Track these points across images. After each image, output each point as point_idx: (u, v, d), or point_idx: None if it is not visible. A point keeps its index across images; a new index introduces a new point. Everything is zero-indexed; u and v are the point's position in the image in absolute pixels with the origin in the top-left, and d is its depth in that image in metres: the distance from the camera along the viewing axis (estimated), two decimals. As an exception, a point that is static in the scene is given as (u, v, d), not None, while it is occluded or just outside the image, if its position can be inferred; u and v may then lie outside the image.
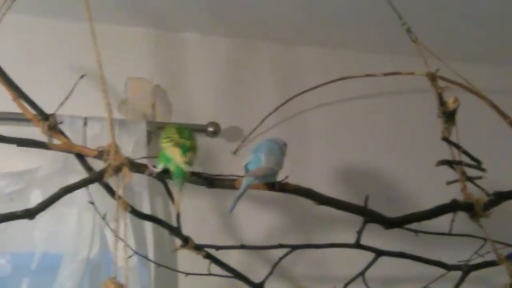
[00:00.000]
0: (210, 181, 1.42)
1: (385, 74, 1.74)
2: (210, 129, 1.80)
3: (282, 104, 1.89)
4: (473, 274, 1.62)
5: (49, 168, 1.60)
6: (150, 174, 1.39)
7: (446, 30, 1.92)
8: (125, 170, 1.26)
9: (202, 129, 1.79)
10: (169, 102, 1.88)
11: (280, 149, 1.45)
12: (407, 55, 1.77)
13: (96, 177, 1.30)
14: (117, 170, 1.26)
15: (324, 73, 1.94)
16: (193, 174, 1.40)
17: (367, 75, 1.77)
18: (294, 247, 1.58)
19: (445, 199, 1.51)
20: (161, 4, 1.78)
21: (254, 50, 1.99)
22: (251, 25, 1.91)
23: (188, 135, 1.42)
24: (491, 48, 2.07)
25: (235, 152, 1.87)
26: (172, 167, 1.36)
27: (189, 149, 1.37)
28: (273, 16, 1.85)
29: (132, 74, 1.85)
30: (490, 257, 1.56)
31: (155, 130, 1.75)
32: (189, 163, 1.36)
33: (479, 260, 1.61)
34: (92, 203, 1.41)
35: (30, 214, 1.21)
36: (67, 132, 1.49)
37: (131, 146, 1.68)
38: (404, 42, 1.62)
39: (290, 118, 1.95)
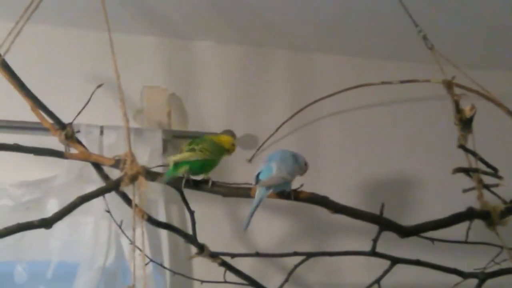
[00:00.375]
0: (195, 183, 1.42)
1: (402, 82, 1.74)
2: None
3: (297, 112, 1.89)
4: (490, 281, 1.60)
5: (66, 177, 1.62)
6: None
7: (462, 37, 1.92)
8: (141, 179, 1.26)
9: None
10: (185, 110, 1.88)
11: (293, 158, 1.44)
12: (423, 63, 1.76)
13: (112, 186, 1.30)
14: (133, 179, 1.26)
15: (339, 80, 1.94)
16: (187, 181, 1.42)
17: (383, 83, 1.77)
18: (309, 255, 1.58)
19: (462, 207, 1.50)
20: (176, 13, 1.79)
21: (269, 57, 1.99)
22: (265, 33, 1.92)
23: (196, 141, 1.45)
24: (507, 55, 2.06)
25: (250, 160, 1.87)
26: None
27: (183, 151, 1.41)
28: (288, 23, 1.86)
29: (147, 83, 1.86)
30: (507, 264, 1.55)
31: (170, 139, 1.76)
32: (179, 162, 1.39)
33: (496, 267, 1.60)
34: (108, 211, 1.42)
35: (47, 223, 1.21)
36: (83, 140, 1.50)
37: (147, 154, 1.70)
38: (420, 50, 1.61)
39: (305, 126, 1.95)
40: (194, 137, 1.77)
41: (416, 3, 1.59)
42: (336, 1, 1.74)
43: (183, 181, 1.39)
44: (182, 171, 1.39)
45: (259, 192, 1.37)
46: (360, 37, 1.95)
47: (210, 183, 1.39)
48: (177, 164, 1.40)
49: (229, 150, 1.54)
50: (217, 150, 1.47)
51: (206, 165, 1.42)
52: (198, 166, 1.41)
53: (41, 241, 1.61)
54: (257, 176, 1.39)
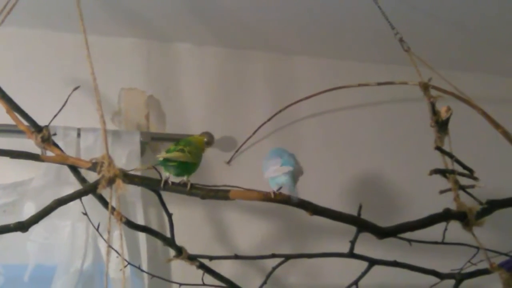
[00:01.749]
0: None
1: (379, 84, 1.74)
2: (204, 139, 1.79)
3: (276, 114, 1.89)
4: (466, 282, 1.61)
5: (42, 180, 1.61)
6: None
7: (438, 39, 1.93)
8: (119, 181, 1.26)
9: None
10: (163, 112, 1.88)
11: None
12: (400, 65, 1.78)
13: (89, 189, 1.30)
14: (111, 181, 1.26)
15: (318, 82, 1.95)
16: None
17: (361, 85, 1.77)
18: (287, 257, 1.58)
19: (438, 208, 1.51)
20: (154, 15, 1.78)
21: (247, 59, 2.00)
22: (243, 35, 1.92)
23: (182, 143, 1.44)
24: (483, 57, 2.08)
25: (229, 162, 1.87)
26: None
27: (169, 151, 1.40)
28: (266, 25, 1.86)
29: (125, 85, 1.86)
30: (483, 265, 1.56)
31: (148, 141, 1.76)
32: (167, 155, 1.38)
33: (472, 268, 1.60)
34: (85, 214, 1.41)
35: (23, 226, 1.21)
36: (60, 143, 1.50)
37: (125, 157, 1.69)
38: (397, 52, 1.62)
39: (284, 128, 1.96)
40: (172, 139, 1.78)
41: (392, 6, 1.61)
42: (314, 4, 1.74)
43: (162, 182, 1.38)
44: (170, 170, 1.39)
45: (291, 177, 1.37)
46: (337, 39, 1.95)
47: (189, 186, 1.38)
48: (166, 161, 1.39)
49: (203, 150, 1.52)
50: (199, 152, 1.46)
51: (190, 168, 1.41)
52: (184, 168, 1.40)
53: (18, 244, 1.60)
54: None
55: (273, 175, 1.39)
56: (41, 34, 1.82)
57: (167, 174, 1.39)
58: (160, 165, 1.42)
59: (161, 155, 1.39)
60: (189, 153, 1.40)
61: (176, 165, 1.39)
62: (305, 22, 1.84)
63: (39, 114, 1.38)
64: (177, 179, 1.40)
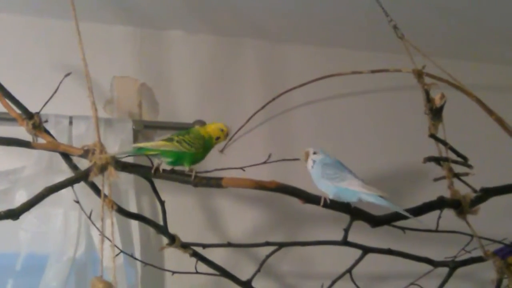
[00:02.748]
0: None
1: (372, 71, 1.74)
2: (192, 128, 1.78)
3: (269, 102, 1.88)
4: (460, 270, 1.62)
5: (34, 168, 1.60)
6: None
7: (432, 27, 1.93)
8: (111, 169, 1.26)
9: (188, 127, 1.77)
10: (156, 100, 1.87)
11: None
12: (394, 52, 1.78)
13: (81, 176, 1.29)
14: (103, 169, 1.26)
15: (311, 70, 1.94)
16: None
17: (354, 73, 1.76)
18: (281, 245, 1.58)
19: (432, 196, 1.51)
20: (146, 2, 1.77)
21: (240, 47, 1.98)
22: (236, 23, 1.91)
23: (181, 133, 1.43)
24: (477, 45, 2.08)
25: (222, 151, 1.86)
26: None
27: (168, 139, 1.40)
28: (259, 13, 1.85)
29: (117, 73, 1.85)
30: (477, 253, 1.57)
31: (141, 129, 1.75)
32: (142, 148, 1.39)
33: (466, 256, 1.61)
34: (77, 201, 1.40)
35: (13, 214, 1.20)
36: (52, 131, 1.48)
37: (117, 145, 1.68)
38: (391, 39, 1.62)
39: (277, 116, 1.95)
40: (165, 128, 1.78)
41: (386, -8, 1.60)
42: (307, -9, 1.74)
43: (153, 169, 1.37)
44: (156, 160, 1.38)
45: None
46: (331, 27, 1.94)
47: (193, 176, 1.37)
48: (141, 149, 1.38)
49: (219, 137, 1.48)
50: (201, 142, 1.43)
51: (182, 158, 1.39)
52: (173, 157, 1.39)
53: (10, 233, 1.59)
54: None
55: (359, 190, 1.39)
56: (33, 21, 1.80)
57: (158, 161, 1.38)
58: (138, 154, 1.42)
59: (137, 145, 1.39)
60: (178, 142, 1.38)
61: (161, 154, 1.38)
62: (298, 9, 1.83)
63: (31, 102, 1.37)
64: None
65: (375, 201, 1.39)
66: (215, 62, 1.95)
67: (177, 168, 1.40)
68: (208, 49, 1.96)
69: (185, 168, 1.39)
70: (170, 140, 1.39)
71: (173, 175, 1.38)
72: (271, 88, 1.93)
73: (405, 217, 1.47)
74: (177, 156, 1.39)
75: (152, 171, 1.37)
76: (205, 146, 1.44)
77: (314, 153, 1.47)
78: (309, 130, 1.98)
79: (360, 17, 1.87)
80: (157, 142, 1.40)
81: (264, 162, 1.42)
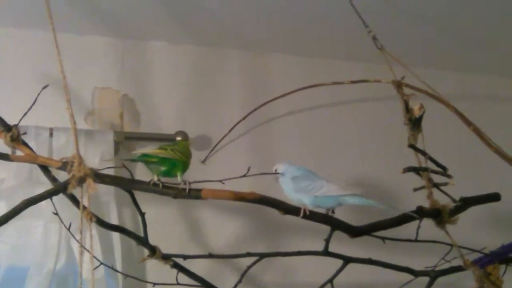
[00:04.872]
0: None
1: (352, 82, 1.74)
2: (179, 138, 1.79)
3: (251, 112, 1.89)
4: (441, 279, 1.63)
5: (14, 180, 1.59)
6: None
7: (411, 37, 1.94)
8: (89, 181, 1.25)
9: (170, 139, 1.79)
10: (137, 111, 1.87)
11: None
12: (374, 63, 1.78)
13: (59, 189, 1.29)
14: (81, 181, 1.25)
15: (292, 80, 1.94)
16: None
17: (335, 83, 1.77)
18: (262, 256, 1.58)
19: (412, 206, 1.52)
20: (127, 13, 1.77)
21: (222, 57, 1.99)
22: (218, 33, 1.91)
23: (168, 144, 1.47)
24: (456, 56, 2.09)
25: (204, 161, 1.86)
26: None
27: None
28: (241, 23, 1.85)
29: (99, 84, 1.85)
30: (457, 262, 1.57)
31: (122, 140, 1.75)
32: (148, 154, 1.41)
33: (446, 265, 1.62)
34: (56, 213, 1.40)
35: (-10, 227, 1.20)
36: (32, 143, 1.48)
37: (98, 156, 1.67)
38: (371, 50, 1.63)
39: (258, 126, 1.95)
40: (146, 139, 1.78)
41: (366, 4, 1.61)
42: (288, 2, 1.74)
43: (151, 182, 1.38)
44: (154, 169, 1.39)
45: None
46: (312, 37, 1.95)
47: (187, 188, 1.38)
48: (145, 156, 1.40)
49: None
50: (186, 152, 1.46)
51: (177, 166, 1.40)
52: (169, 165, 1.39)
53: (-11, 245, 1.59)
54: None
55: (340, 193, 1.41)
56: (13, 32, 1.80)
57: (155, 177, 1.39)
58: (137, 161, 1.42)
59: (139, 151, 1.40)
60: (172, 151, 1.40)
61: (159, 162, 1.38)
62: (280, 19, 1.83)
63: (10, 114, 1.37)
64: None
65: (357, 201, 1.40)
66: (197, 73, 1.95)
67: (171, 180, 1.41)
68: (190, 60, 1.96)
69: (178, 179, 1.40)
70: (163, 149, 1.41)
71: (152, 187, 1.38)
72: (253, 98, 1.93)
73: (384, 227, 1.49)
74: (173, 165, 1.40)
75: (151, 182, 1.38)
76: (189, 158, 1.47)
77: (277, 169, 1.49)
78: (291, 140, 1.98)
79: (340, 28, 1.87)
80: (153, 150, 1.42)
81: (244, 176, 1.42)
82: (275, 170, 1.50)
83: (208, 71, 1.97)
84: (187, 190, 1.38)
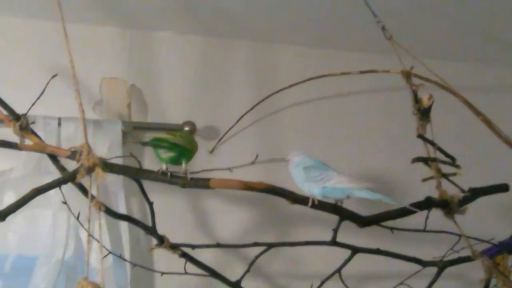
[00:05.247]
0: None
1: (361, 72, 1.74)
2: (186, 128, 1.79)
3: (258, 103, 1.88)
4: (449, 270, 1.62)
5: (23, 170, 1.60)
6: None
7: (421, 28, 1.93)
8: (98, 170, 1.26)
9: (178, 129, 1.79)
10: (145, 102, 1.87)
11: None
12: (383, 53, 1.77)
13: (68, 178, 1.29)
14: (90, 170, 1.26)
15: (300, 71, 1.93)
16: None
17: (343, 73, 1.76)
18: (270, 245, 1.58)
19: (421, 196, 1.52)
20: (135, 4, 1.77)
21: (229, 48, 1.98)
22: (225, 23, 1.91)
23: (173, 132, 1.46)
24: (465, 46, 2.08)
25: (211, 152, 1.86)
26: None
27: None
28: (248, 14, 1.85)
29: (106, 74, 1.85)
30: (465, 253, 1.57)
31: (130, 130, 1.75)
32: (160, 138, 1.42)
33: (454, 256, 1.61)
34: (65, 203, 1.39)
35: (0, 216, 1.20)
36: (41, 133, 1.48)
37: (106, 146, 1.67)
38: (380, 40, 1.62)
39: (266, 117, 1.95)
40: (154, 129, 1.78)
41: (375, -6, 1.60)
42: (296, -8, 1.74)
43: (160, 171, 1.38)
44: (163, 156, 1.39)
45: None
46: (320, 28, 1.94)
47: (188, 175, 1.38)
48: (157, 140, 1.41)
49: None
50: (191, 141, 1.46)
51: (184, 154, 1.41)
52: (177, 151, 1.40)
53: (-2, 235, 1.60)
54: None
55: (349, 186, 1.42)
56: (21, 23, 1.80)
57: (164, 166, 1.39)
58: (148, 145, 1.43)
59: (155, 136, 1.41)
60: (180, 137, 1.40)
61: (168, 147, 1.38)
62: (288, 10, 1.83)
63: (19, 103, 1.36)
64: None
65: (365, 195, 1.41)
66: (204, 63, 1.95)
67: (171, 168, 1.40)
68: (197, 50, 1.95)
69: (182, 167, 1.40)
70: (173, 135, 1.41)
71: (161, 176, 1.38)
72: (261, 89, 1.92)
73: (393, 217, 1.49)
74: (181, 152, 1.40)
75: (159, 171, 1.38)
76: (195, 147, 1.46)
77: (290, 158, 1.48)
78: (298, 130, 1.98)
79: (348, 18, 1.87)
80: (166, 135, 1.42)
81: (252, 163, 1.42)
82: (289, 158, 1.49)
83: (215, 62, 1.97)
84: (188, 178, 1.38)
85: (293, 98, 1.97)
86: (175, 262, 1.54)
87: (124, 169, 1.40)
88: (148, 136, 1.40)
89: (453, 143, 1.54)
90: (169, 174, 1.38)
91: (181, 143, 1.40)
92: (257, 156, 1.42)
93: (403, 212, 1.49)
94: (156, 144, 1.40)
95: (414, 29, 1.91)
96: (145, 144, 1.46)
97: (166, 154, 1.39)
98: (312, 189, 1.42)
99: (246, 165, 1.42)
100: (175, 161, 1.41)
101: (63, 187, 1.35)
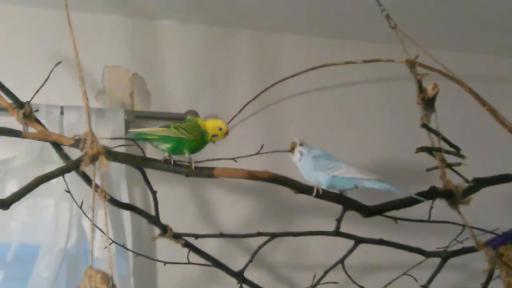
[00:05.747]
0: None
1: (365, 61, 1.72)
2: (189, 117, 1.78)
3: (262, 92, 1.87)
4: (452, 260, 1.62)
5: (25, 158, 1.59)
6: None
7: (425, 17, 1.92)
8: (102, 158, 1.25)
9: (180, 118, 1.78)
10: (147, 91, 1.86)
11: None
12: (387, 43, 1.77)
13: (72, 166, 1.28)
14: (94, 158, 1.24)
15: (304, 60, 1.93)
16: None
17: (347, 63, 1.75)
18: (273, 235, 1.57)
19: (425, 186, 1.51)
20: (138, -8, 1.76)
21: (232, 37, 1.97)
22: (229, 12, 1.90)
23: (178, 122, 1.43)
24: (470, 36, 2.07)
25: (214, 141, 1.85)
26: None
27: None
28: (251, 3, 1.84)
29: (109, 63, 1.84)
30: (469, 243, 1.57)
31: (133, 119, 1.74)
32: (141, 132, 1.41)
33: (458, 246, 1.61)
34: (68, 191, 1.39)
35: (3, 204, 1.18)
36: (43, 121, 1.47)
37: (109, 135, 1.67)
38: (385, 29, 1.61)
39: (269, 106, 1.94)
40: (157, 118, 1.77)
41: (379, -17, 1.59)
42: (300, -19, 1.73)
43: (163, 159, 1.36)
44: (158, 146, 1.38)
45: None
46: (324, 17, 1.94)
47: (193, 165, 1.36)
48: (141, 134, 1.39)
49: (216, 135, 1.44)
50: (198, 130, 1.41)
51: (182, 144, 1.38)
52: (172, 142, 1.37)
53: (1, 223, 1.60)
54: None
55: (358, 176, 1.41)
56: (24, 11, 1.79)
57: (166, 154, 1.38)
58: (135, 139, 1.42)
59: (136, 130, 1.39)
60: (175, 129, 1.38)
61: (160, 139, 1.37)
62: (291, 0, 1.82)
63: (22, 91, 1.35)
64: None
65: (374, 185, 1.40)
66: (207, 52, 1.94)
67: (176, 157, 1.38)
68: (200, 39, 1.95)
69: (185, 156, 1.38)
70: (167, 127, 1.39)
71: (164, 165, 1.37)
72: (264, 78, 1.92)
73: (397, 207, 1.48)
74: (177, 142, 1.38)
75: (162, 160, 1.37)
76: (202, 136, 1.42)
77: (301, 144, 1.47)
78: (301, 120, 1.98)
79: (353, 7, 1.86)
80: (155, 128, 1.40)
81: (257, 153, 1.41)
82: (295, 144, 1.48)
83: (218, 51, 1.96)
84: (192, 167, 1.36)
85: (296, 88, 1.97)
86: (178, 251, 1.53)
87: (128, 158, 1.39)
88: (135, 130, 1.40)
89: (457, 133, 1.54)
90: (172, 162, 1.37)
91: (174, 134, 1.38)
92: (262, 147, 1.41)
93: (407, 202, 1.48)
94: (142, 138, 1.39)
95: (418, 18, 1.90)
96: (131, 139, 1.44)
97: (164, 146, 1.38)
98: (319, 178, 1.41)
99: (251, 155, 1.40)
100: (174, 152, 1.39)
101: (66, 176, 1.34)
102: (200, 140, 1.42)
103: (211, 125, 1.43)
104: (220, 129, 1.44)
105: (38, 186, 1.24)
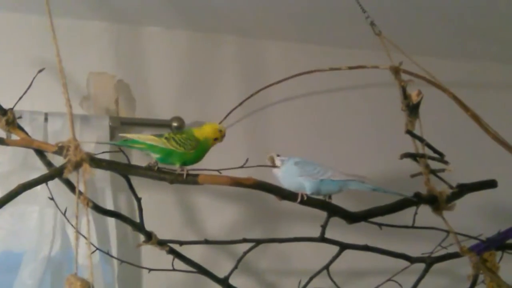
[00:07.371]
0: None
1: (350, 68, 1.73)
2: (174, 124, 1.79)
3: (247, 98, 1.88)
4: (437, 266, 1.63)
5: (9, 165, 1.59)
6: None
7: (409, 24, 1.93)
8: (86, 165, 1.24)
9: (166, 124, 1.78)
10: (133, 97, 1.86)
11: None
12: (372, 49, 1.77)
13: (55, 173, 1.28)
14: (77, 165, 1.24)
15: (289, 67, 1.93)
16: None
17: (332, 69, 1.76)
18: (258, 242, 1.57)
19: (409, 192, 1.51)
20: (123, -2, 1.76)
21: (218, 43, 1.98)
22: (214, 19, 1.90)
23: (174, 132, 1.45)
24: (453, 43, 2.08)
25: (199, 147, 1.85)
26: None
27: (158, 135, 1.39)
28: (237, 9, 1.84)
29: (94, 69, 1.83)
30: (453, 249, 1.57)
31: (118, 126, 1.74)
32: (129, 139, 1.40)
33: (443, 252, 1.62)
34: (51, 198, 1.38)
35: (-14, 211, 1.18)
36: (27, 128, 1.47)
37: (94, 141, 1.66)
38: (369, 36, 1.62)
39: (254, 113, 1.95)
40: (142, 124, 1.77)
41: (363, -11, 1.60)
42: (285, -13, 1.73)
43: (148, 166, 1.36)
44: (149, 155, 1.38)
45: None
46: (309, 23, 1.94)
47: (184, 174, 1.36)
48: (126, 141, 1.39)
49: (217, 138, 1.45)
50: (193, 144, 1.40)
51: (171, 156, 1.37)
52: (160, 153, 1.37)
53: (-16, 231, 1.58)
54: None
55: (345, 178, 1.43)
56: (8, 16, 1.78)
57: (152, 161, 1.37)
58: (123, 146, 1.43)
59: (126, 135, 1.39)
60: (166, 139, 1.37)
61: (148, 148, 1.37)
62: (276, 6, 1.82)
63: (5, 98, 1.35)
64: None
65: (360, 187, 1.41)
66: (192, 59, 1.94)
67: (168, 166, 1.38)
68: (186, 45, 1.94)
69: (176, 166, 1.37)
70: (159, 136, 1.38)
71: (149, 172, 1.36)
72: (249, 84, 1.92)
73: (382, 213, 1.49)
74: (165, 153, 1.37)
75: (150, 167, 1.36)
76: (199, 148, 1.41)
77: (278, 155, 1.47)
78: (287, 126, 1.98)
79: (337, 14, 1.86)
80: (146, 136, 1.39)
81: (241, 167, 1.41)
82: (273, 157, 1.48)
83: (204, 57, 1.96)
84: (184, 176, 1.36)
85: (281, 94, 1.97)
86: (163, 258, 1.53)
87: (111, 165, 1.39)
88: (127, 134, 1.39)
89: (441, 139, 1.55)
90: (156, 168, 1.36)
91: (162, 144, 1.37)
92: (247, 160, 1.41)
93: (392, 208, 1.49)
94: (128, 145, 1.40)
95: (403, 25, 1.92)
96: (116, 145, 1.44)
97: (153, 155, 1.37)
98: (304, 183, 1.42)
99: (236, 168, 1.40)
100: (164, 161, 1.38)
101: (50, 183, 1.34)
102: (195, 151, 1.41)
103: (210, 130, 1.44)
104: (220, 131, 1.45)
105: (21, 193, 1.24)
